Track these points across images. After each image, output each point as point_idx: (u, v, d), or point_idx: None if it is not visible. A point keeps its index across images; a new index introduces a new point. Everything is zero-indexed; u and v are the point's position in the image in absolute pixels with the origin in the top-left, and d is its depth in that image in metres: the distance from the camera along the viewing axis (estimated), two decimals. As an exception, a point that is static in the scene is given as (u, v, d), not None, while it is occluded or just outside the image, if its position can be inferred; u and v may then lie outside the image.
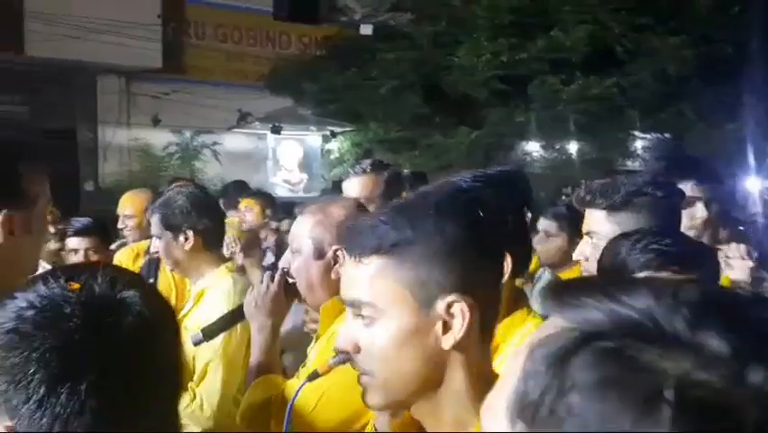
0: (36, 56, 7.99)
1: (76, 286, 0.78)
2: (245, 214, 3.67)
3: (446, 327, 0.87)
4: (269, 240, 3.77)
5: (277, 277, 1.70)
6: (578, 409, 0.39)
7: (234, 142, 9.79)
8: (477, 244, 0.90)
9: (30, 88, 8.70)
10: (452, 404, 0.90)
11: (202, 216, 2.29)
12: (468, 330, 0.86)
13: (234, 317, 1.79)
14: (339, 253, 1.61)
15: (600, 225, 1.68)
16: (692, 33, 7.73)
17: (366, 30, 7.85)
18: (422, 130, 8.17)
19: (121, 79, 9.05)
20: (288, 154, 9.02)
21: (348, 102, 8.39)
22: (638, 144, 9.31)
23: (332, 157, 8.76)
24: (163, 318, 0.84)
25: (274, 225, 3.89)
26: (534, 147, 8.50)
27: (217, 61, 9.67)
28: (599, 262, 1.49)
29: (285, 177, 8.36)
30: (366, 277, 0.90)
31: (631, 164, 8.88)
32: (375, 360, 0.89)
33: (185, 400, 2.04)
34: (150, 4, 8.74)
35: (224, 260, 2.33)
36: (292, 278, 1.69)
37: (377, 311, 0.89)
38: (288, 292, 1.72)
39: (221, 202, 4.67)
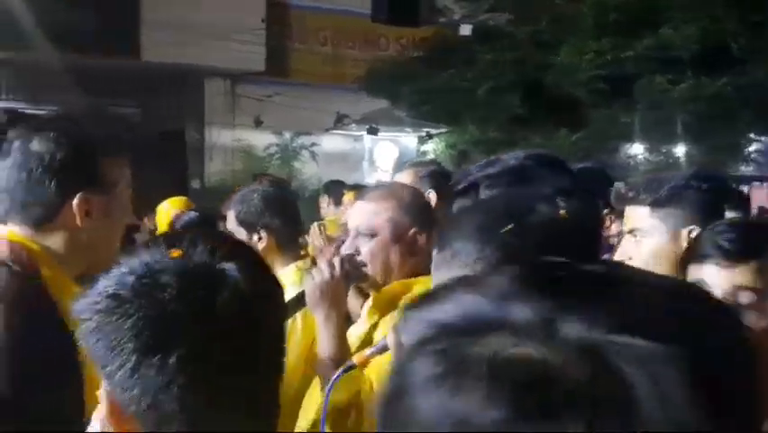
0: (150, 61, 8.46)
1: (176, 254, 0.76)
2: (348, 207, 3.73)
3: None
4: None
5: (338, 262, 1.63)
6: (411, 411, 0.40)
7: (332, 143, 9.99)
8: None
9: (143, 92, 9.23)
10: None
11: (275, 216, 2.25)
12: None
13: (294, 305, 1.69)
14: (418, 236, 1.64)
15: (644, 222, 1.62)
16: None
17: (465, 30, 7.81)
18: (520, 131, 8.03)
19: (226, 82, 9.44)
20: (384, 155, 9.11)
21: (444, 103, 8.37)
22: (752, 148, 8.77)
23: (427, 158, 8.76)
24: (264, 294, 0.79)
25: None
26: (638, 150, 8.17)
27: (317, 64, 9.89)
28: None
29: (380, 177, 8.45)
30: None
31: (744, 169, 8.38)
32: None
33: None
34: (255, 8, 9.07)
35: (295, 259, 2.27)
36: (357, 264, 1.64)
37: None
38: (347, 277, 1.66)
39: (324, 200, 4.75)
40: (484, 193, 1.27)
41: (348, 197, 4.01)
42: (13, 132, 1.41)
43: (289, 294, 2.15)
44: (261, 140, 9.75)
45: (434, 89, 8.33)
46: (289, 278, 2.15)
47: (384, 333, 1.53)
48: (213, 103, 9.45)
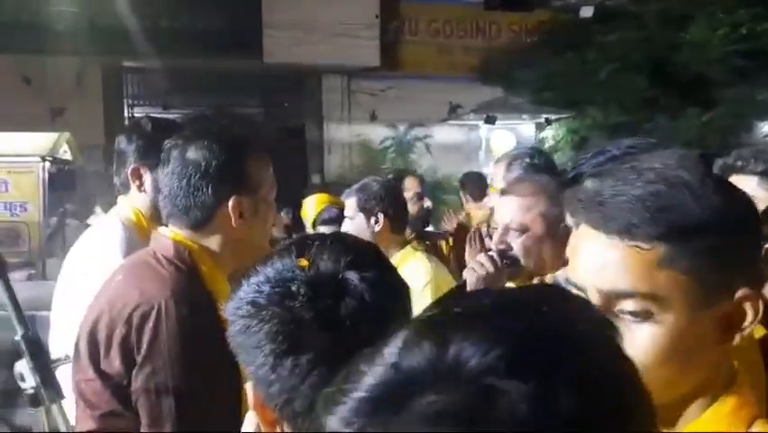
0: (272, 62, 8.80)
1: (304, 263, 0.79)
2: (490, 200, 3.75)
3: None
4: None
5: (498, 256, 1.68)
6: None
7: (445, 134, 10.00)
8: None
9: (265, 92, 9.62)
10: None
11: (392, 203, 2.53)
12: None
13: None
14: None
15: (754, 193, 1.46)
16: None
17: (586, 12, 7.59)
18: (645, 113, 7.73)
19: (343, 78, 9.66)
20: (501, 144, 9.02)
21: (564, 88, 8.19)
22: None
23: (546, 145, 8.60)
24: (390, 303, 0.80)
25: None
26: (776, 127, 7.66)
27: (429, 56, 9.92)
28: None
29: (499, 166, 8.39)
30: (646, 264, 0.76)
31: None
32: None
33: None
34: (369, 4, 9.21)
35: (403, 242, 2.56)
36: (513, 258, 1.67)
37: (652, 306, 0.76)
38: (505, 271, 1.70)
39: (461, 195, 4.76)
40: (588, 182, 1.25)
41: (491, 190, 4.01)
42: (170, 140, 1.51)
43: (422, 276, 2.31)
44: (377, 133, 9.91)
45: (552, 74, 8.17)
46: (415, 261, 2.45)
47: None
48: (330, 99, 9.70)
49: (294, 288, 0.78)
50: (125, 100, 9.42)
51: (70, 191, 7.44)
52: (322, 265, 0.80)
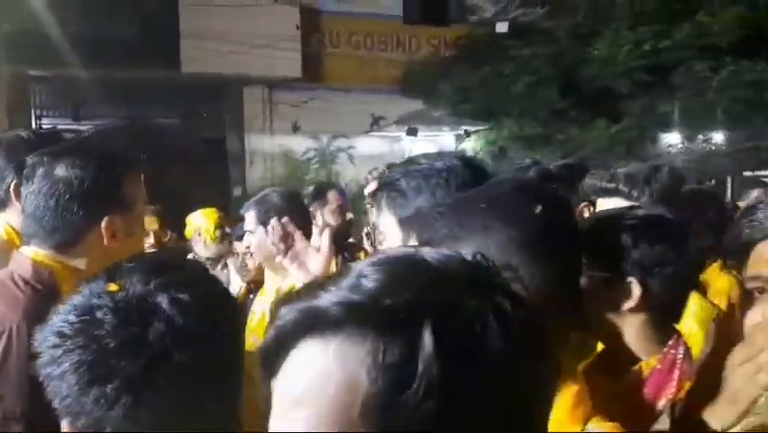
0: (190, 72, 8.65)
1: (113, 288, 0.77)
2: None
3: None
4: None
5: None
6: None
7: (368, 145, 10.08)
8: (530, 244, 0.87)
9: (185, 103, 9.43)
10: None
11: (293, 215, 2.30)
12: None
13: None
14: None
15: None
16: None
17: (501, 27, 7.85)
18: (558, 125, 8.06)
19: (264, 89, 9.60)
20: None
21: (481, 100, 8.43)
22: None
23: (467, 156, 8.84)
24: (208, 326, 0.77)
25: None
26: (677, 138, 8.14)
27: (351, 68, 10.00)
28: None
29: (420, 177, 8.54)
30: None
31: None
32: None
33: None
34: (290, 16, 9.21)
35: None
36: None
37: None
38: None
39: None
40: (389, 194, 1.32)
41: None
42: (34, 155, 1.44)
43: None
44: (300, 145, 9.89)
45: (470, 87, 8.39)
46: None
47: None
48: (251, 110, 9.62)
49: (99, 315, 0.75)
50: (33, 111, 9.02)
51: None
52: (131, 289, 0.77)
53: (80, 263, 1.40)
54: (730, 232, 0.98)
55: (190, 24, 8.53)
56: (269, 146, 9.68)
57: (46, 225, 1.38)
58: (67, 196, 1.35)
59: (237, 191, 9.50)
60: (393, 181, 1.35)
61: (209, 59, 8.48)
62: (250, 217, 2.46)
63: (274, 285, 2.51)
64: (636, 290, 1.31)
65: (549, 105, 7.85)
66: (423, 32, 10.27)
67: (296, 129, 9.81)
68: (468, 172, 1.31)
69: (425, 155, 1.41)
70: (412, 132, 8.47)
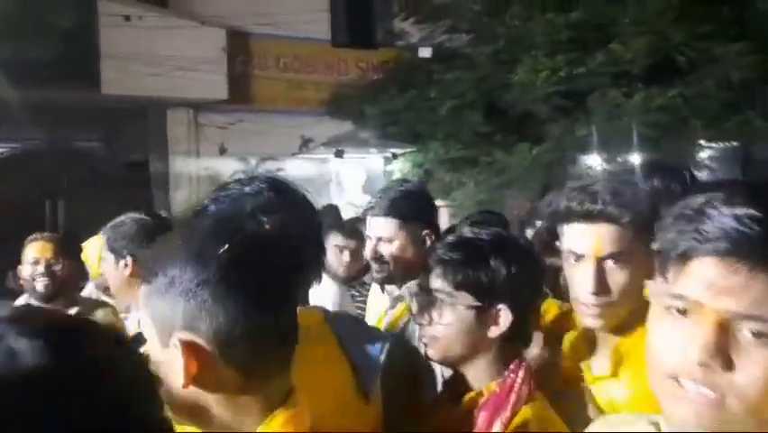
0: (111, 93, 8.43)
1: None
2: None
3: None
4: None
5: None
6: None
7: (297, 167, 10.04)
8: (205, 282, 0.89)
9: (105, 125, 9.18)
10: None
11: (144, 244, 2.21)
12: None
13: None
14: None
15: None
16: (755, 39, 7.58)
17: (425, 52, 8.00)
18: (483, 148, 8.22)
19: (189, 112, 9.45)
20: (351, 177, 9.21)
21: (408, 123, 8.52)
22: (704, 154, 9.12)
23: (394, 178, 8.89)
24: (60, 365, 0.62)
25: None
26: (596, 161, 8.44)
27: (279, 91, 9.98)
28: None
29: (349, 199, 8.54)
30: None
31: (699, 174, 8.69)
32: None
33: None
34: (216, 38, 9.13)
35: None
36: None
37: None
38: None
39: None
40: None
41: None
42: None
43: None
44: (227, 167, 9.74)
45: (396, 110, 8.48)
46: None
47: None
48: (176, 133, 9.45)
49: None
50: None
51: None
52: None
53: None
54: (660, 234, 0.79)
55: (111, 45, 8.33)
56: (195, 169, 9.51)
57: None
58: None
59: (162, 214, 9.29)
60: (203, 208, 1.35)
61: (131, 81, 8.30)
62: (102, 243, 2.33)
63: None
64: (508, 316, 1.34)
65: (474, 128, 8.01)
66: (351, 56, 10.37)
67: (223, 151, 9.68)
68: (276, 196, 1.31)
69: (238, 180, 1.39)
70: (339, 154, 8.50)
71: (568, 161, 8.06)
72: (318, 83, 10.09)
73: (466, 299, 1.35)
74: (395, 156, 8.75)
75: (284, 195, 1.35)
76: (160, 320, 0.91)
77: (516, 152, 8.04)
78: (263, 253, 0.96)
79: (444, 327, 1.37)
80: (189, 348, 0.88)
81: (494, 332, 1.35)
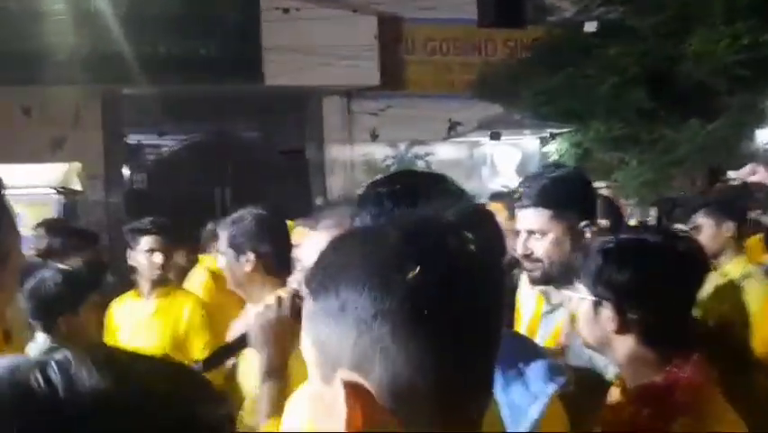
0: (273, 85, 8.80)
1: None
2: None
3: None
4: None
5: (287, 299, 1.47)
6: None
7: (446, 151, 10.04)
8: (387, 315, 0.68)
9: (267, 115, 9.62)
10: None
11: (266, 240, 2.24)
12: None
13: (237, 345, 1.55)
14: None
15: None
16: None
17: (590, 27, 7.67)
18: (646, 125, 7.81)
19: (343, 99, 9.68)
20: (505, 159, 9.07)
21: (564, 102, 8.24)
22: None
23: (551, 159, 8.66)
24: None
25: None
26: (775, 135, 7.78)
27: (427, 74, 9.99)
28: None
29: (503, 182, 8.41)
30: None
31: None
32: None
33: None
34: (368, 26, 9.27)
35: (283, 285, 2.15)
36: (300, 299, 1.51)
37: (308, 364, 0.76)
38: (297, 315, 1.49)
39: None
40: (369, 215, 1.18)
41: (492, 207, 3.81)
42: None
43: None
44: (379, 152, 9.93)
45: (552, 89, 8.22)
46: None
47: None
48: (331, 120, 9.72)
49: None
50: (124, 129, 9.35)
51: (75, 222, 7.37)
52: None
53: None
54: None
55: (272, 38, 8.68)
56: (349, 155, 9.75)
57: None
58: None
59: (319, 201, 9.61)
60: (379, 204, 1.25)
61: (291, 72, 8.61)
62: (222, 237, 2.34)
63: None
64: (613, 313, 1.38)
65: (637, 104, 7.62)
66: (498, 35, 10.18)
67: (374, 137, 9.85)
68: (475, 206, 1.21)
69: (409, 174, 1.38)
70: (495, 136, 8.38)
71: (746, 137, 7.50)
72: (466, 65, 10.00)
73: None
74: (552, 136, 8.51)
75: (478, 206, 1.26)
76: (323, 349, 0.71)
77: (685, 129, 7.57)
78: (467, 281, 0.71)
79: None
80: (355, 393, 0.68)
81: (609, 328, 1.44)
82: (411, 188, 1.22)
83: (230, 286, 2.41)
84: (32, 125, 8.43)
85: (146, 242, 3.23)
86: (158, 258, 3.21)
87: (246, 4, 8.68)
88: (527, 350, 1.33)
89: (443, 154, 10.03)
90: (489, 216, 1.34)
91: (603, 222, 3.26)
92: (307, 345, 0.74)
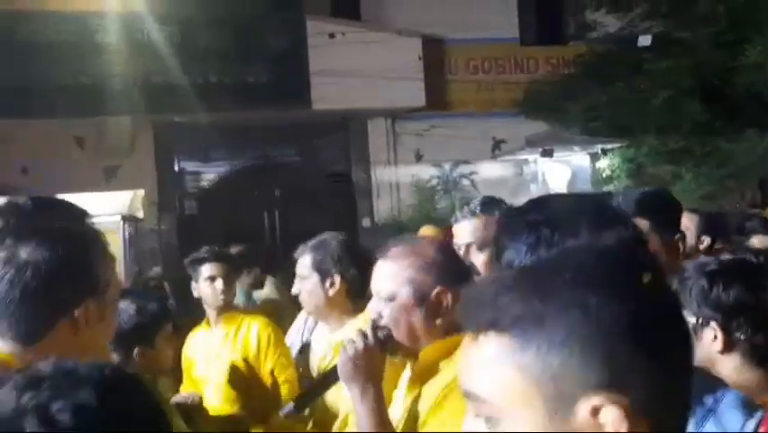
0: (320, 109, 8.86)
1: None
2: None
3: None
4: None
5: (369, 331, 1.49)
6: None
7: (491, 169, 10.02)
8: (636, 322, 0.65)
9: (310, 139, 9.68)
10: None
11: (351, 265, 2.28)
12: None
13: (327, 381, 1.56)
14: (443, 296, 1.47)
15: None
16: None
17: (644, 41, 7.65)
18: (701, 138, 7.74)
19: (387, 121, 9.72)
20: (555, 176, 9.03)
21: (614, 117, 8.21)
22: None
23: (603, 175, 8.60)
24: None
25: None
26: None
27: (470, 94, 10.01)
28: None
29: (555, 199, 8.37)
30: (482, 362, 0.68)
31: None
32: None
33: None
34: (412, 48, 9.32)
35: (360, 308, 2.19)
36: (382, 330, 1.49)
37: (497, 410, 0.66)
38: (382, 346, 1.49)
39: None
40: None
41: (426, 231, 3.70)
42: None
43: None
44: (423, 173, 9.93)
45: (602, 104, 8.20)
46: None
47: (429, 402, 1.41)
48: (376, 142, 9.75)
49: None
50: (176, 157, 9.44)
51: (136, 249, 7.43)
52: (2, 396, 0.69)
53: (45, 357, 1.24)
54: None
55: (319, 63, 8.76)
56: (395, 176, 9.76)
57: (8, 316, 1.21)
58: (34, 283, 1.20)
59: (366, 223, 9.62)
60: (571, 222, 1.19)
61: (337, 96, 8.67)
62: (304, 262, 2.35)
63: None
64: (718, 333, 1.39)
65: (692, 117, 7.56)
66: (540, 53, 10.19)
67: (418, 157, 9.86)
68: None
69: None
70: (547, 153, 8.34)
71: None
72: (508, 83, 10.01)
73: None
74: (604, 152, 8.46)
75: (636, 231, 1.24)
76: (557, 380, 0.65)
77: (742, 140, 7.49)
78: (669, 295, 0.74)
79: None
80: (621, 416, 0.64)
81: (714, 348, 1.46)
82: (564, 214, 1.21)
83: (307, 310, 2.41)
84: (86, 155, 8.55)
85: (207, 270, 3.22)
86: (219, 284, 3.18)
87: (293, 31, 8.78)
88: (706, 381, 1.35)
89: (487, 173, 10.00)
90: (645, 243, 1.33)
91: (706, 238, 3.20)
92: (521, 386, 0.66)
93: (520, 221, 1.25)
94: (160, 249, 8.42)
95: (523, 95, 9.45)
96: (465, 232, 2.28)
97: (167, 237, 8.73)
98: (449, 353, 1.43)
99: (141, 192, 6.88)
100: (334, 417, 2.06)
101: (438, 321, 1.47)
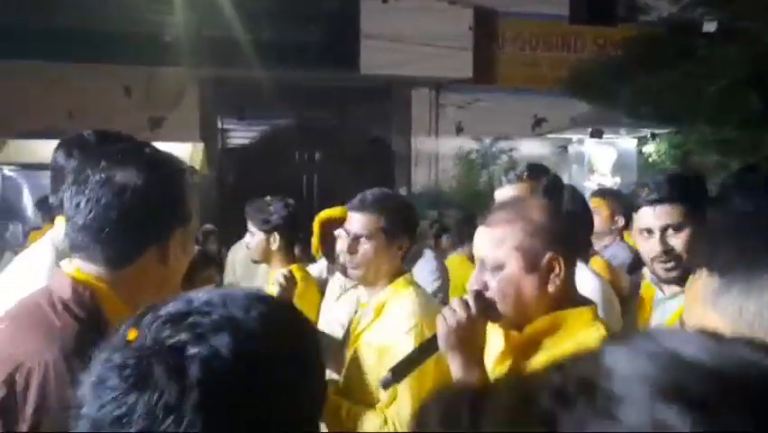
0: (368, 74, 8.80)
1: (132, 336, 0.68)
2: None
3: None
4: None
5: (473, 301, 1.40)
6: None
7: (531, 146, 9.98)
8: None
9: (355, 104, 9.63)
10: None
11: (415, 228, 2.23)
12: None
13: (426, 351, 1.50)
14: (555, 262, 1.39)
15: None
16: None
17: (709, 27, 7.56)
18: (753, 129, 7.70)
19: (431, 92, 9.66)
20: (601, 158, 8.99)
21: (666, 103, 8.15)
22: None
23: (650, 160, 8.57)
24: (223, 386, 0.64)
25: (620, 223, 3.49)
26: None
27: (516, 69, 9.93)
28: None
29: (599, 180, 8.35)
30: (692, 298, 0.78)
31: None
32: None
33: (377, 424, 1.89)
34: (463, 18, 9.23)
35: (402, 271, 2.15)
36: (485, 302, 1.40)
37: None
38: (485, 315, 1.41)
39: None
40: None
41: (593, 203, 3.69)
42: (86, 160, 1.29)
43: (408, 324, 1.95)
44: (463, 146, 9.91)
45: (653, 89, 8.13)
46: (406, 301, 2.04)
47: None
48: (418, 111, 9.71)
49: (118, 363, 0.65)
50: (219, 114, 9.40)
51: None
52: (143, 340, 0.67)
53: (132, 282, 1.22)
54: None
55: (370, 27, 8.68)
56: (434, 147, 9.74)
57: (100, 239, 1.19)
58: (133, 206, 1.18)
59: (403, 191, 9.61)
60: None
61: (386, 62, 8.62)
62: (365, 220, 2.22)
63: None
64: None
65: (747, 107, 7.51)
66: (588, 32, 10.08)
67: (459, 130, 9.83)
68: None
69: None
70: (596, 133, 8.30)
71: None
72: (554, 60, 9.93)
73: None
74: (653, 136, 8.42)
75: None
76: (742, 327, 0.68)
77: (793, 133, 7.45)
78: None
79: None
80: None
81: None
82: None
83: (356, 270, 2.24)
84: (133, 104, 8.52)
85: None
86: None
87: (346, -7, 8.70)
88: None
89: (527, 150, 9.97)
90: None
91: None
92: (721, 328, 0.68)
93: (731, 185, 1.27)
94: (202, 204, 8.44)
95: (568, 73, 9.36)
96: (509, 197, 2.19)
97: (207, 192, 8.74)
98: (555, 329, 1.38)
99: (201, 145, 6.87)
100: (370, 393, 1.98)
101: (550, 288, 1.38)
